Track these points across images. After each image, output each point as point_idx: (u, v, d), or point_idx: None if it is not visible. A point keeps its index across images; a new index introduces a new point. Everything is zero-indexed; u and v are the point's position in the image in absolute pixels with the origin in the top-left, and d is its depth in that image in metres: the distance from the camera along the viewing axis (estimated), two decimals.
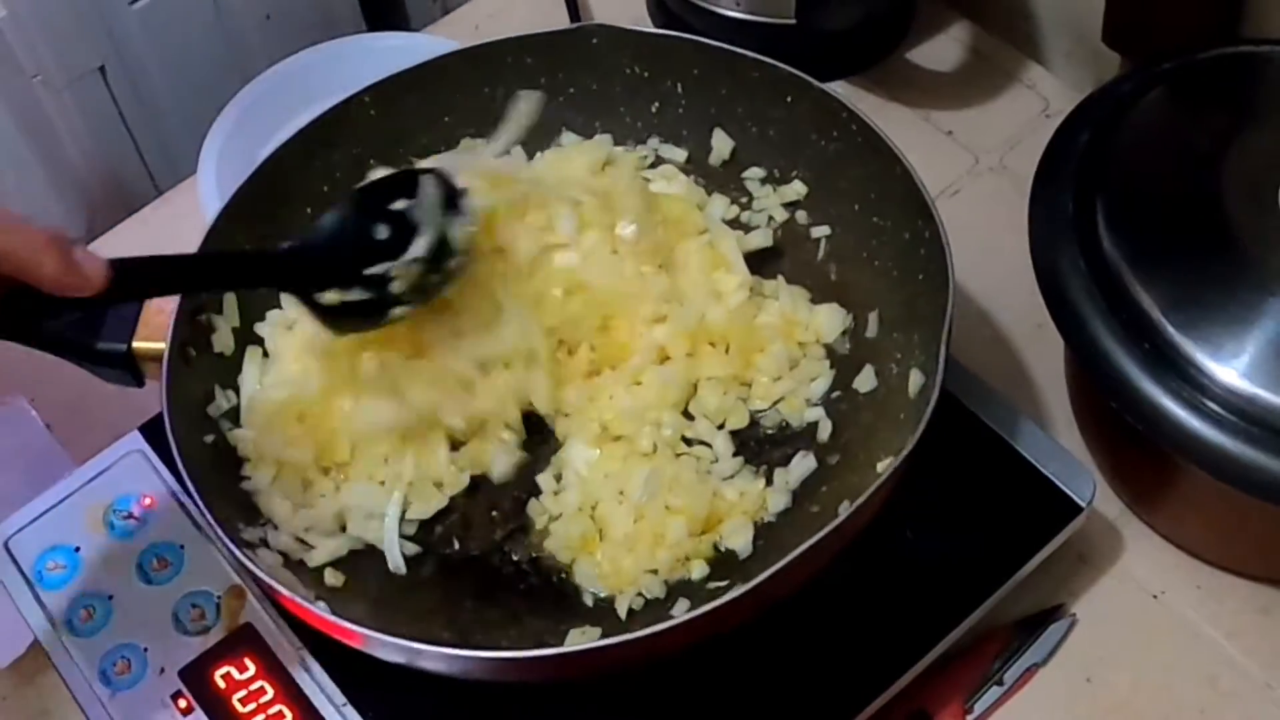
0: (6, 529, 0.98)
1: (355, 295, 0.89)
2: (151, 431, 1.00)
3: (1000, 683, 0.94)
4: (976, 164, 1.21)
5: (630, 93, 1.06)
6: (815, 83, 0.98)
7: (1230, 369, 0.85)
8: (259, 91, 1.24)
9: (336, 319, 0.90)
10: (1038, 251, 0.94)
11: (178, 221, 1.21)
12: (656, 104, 1.06)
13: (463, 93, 1.06)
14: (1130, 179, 0.95)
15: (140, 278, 0.80)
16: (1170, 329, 0.86)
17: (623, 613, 0.90)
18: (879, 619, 0.91)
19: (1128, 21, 1.11)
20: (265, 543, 0.90)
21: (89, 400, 1.10)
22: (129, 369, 0.93)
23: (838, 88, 1.22)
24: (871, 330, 0.98)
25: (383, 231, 0.90)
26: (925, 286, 0.90)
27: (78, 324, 0.93)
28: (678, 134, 1.07)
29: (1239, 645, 0.96)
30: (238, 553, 0.83)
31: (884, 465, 0.86)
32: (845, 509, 0.80)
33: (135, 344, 0.92)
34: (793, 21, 1.16)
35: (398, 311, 0.90)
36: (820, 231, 1.03)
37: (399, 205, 0.91)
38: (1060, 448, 0.96)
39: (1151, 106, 0.98)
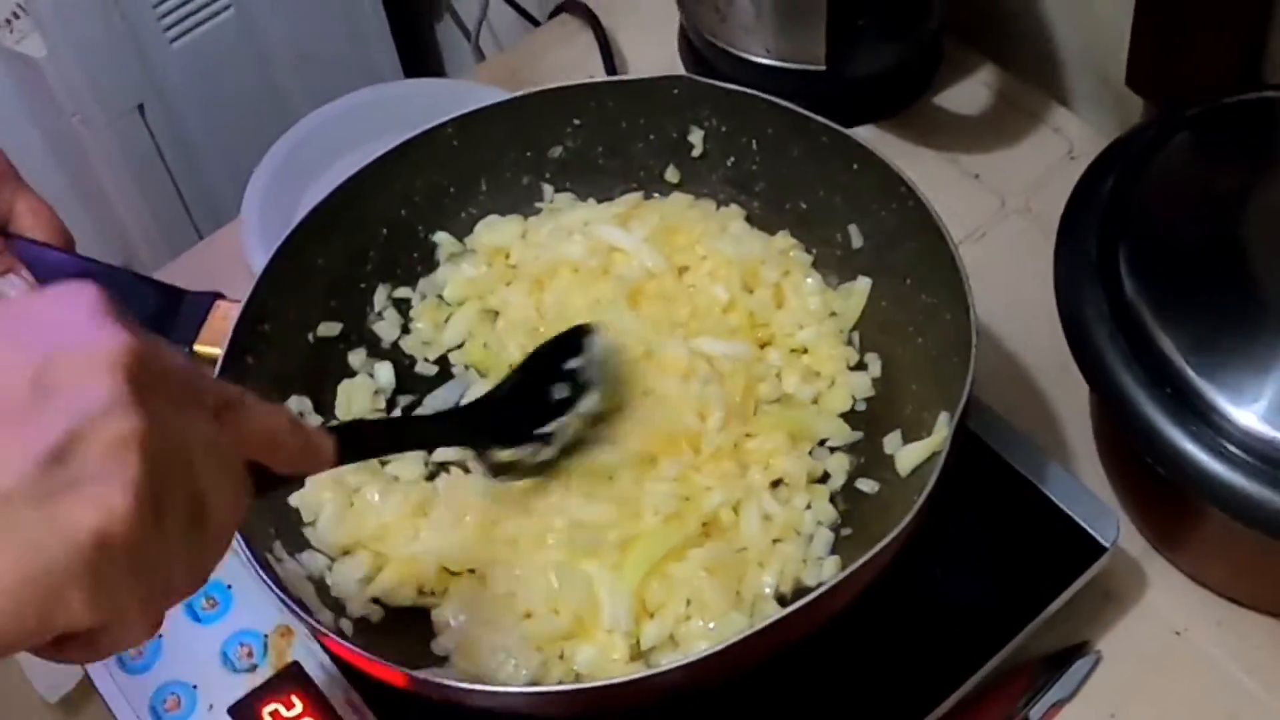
0: None
1: (524, 451, 0.93)
2: None
3: (1026, 719, 0.95)
4: (1003, 206, 1.22)
5: (708, 145, 1.09)
6: (879, 153, 0.99)
7: (1250, 412, 0.86)
8: (301, 136, 1.26)
9: (502, 471, 0.94)
10: (1062, 296, 0.95)
11: (221, 266, 1.23)
12: (732, 158, 1.08)
13: (544, 130, 1.09)
14: (1153, 224, 0.97)
15: (356, 444, 0.81)
16: (1191, 373, 0.88)
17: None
18: (907, 658, 0.93)
19: (1151, 66, 1.13)
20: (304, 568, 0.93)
21: None
22: None
23: (866, 132, 1.25)
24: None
25: (561, 390, 0.95)
26: (954, 370, 0.90)
27: (145, 324, 0.95)
28: (750, 189, 1.09)
29: (1260, 681, 0.97)
30: (274, 589, 0.85)
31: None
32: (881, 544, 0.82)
33: (197, 347, 0.96)
34: (823, 68, 1.18)
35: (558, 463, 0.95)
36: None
37: (573, 364, 0.96)
38: (1085, 488, 0.98)
39: (1175, 152, 1.00)
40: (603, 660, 0.89)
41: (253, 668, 0.96)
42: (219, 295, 0.99)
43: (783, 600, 0.92)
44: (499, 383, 0.96)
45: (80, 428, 0.55)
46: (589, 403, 0.95)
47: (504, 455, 0.93)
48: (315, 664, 0.95)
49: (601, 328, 0.97)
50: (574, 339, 0.97)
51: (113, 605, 0.55)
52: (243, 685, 0.95)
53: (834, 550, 0.94)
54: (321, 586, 0.92)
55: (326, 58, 1.75)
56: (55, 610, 0.54)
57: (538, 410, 0.94)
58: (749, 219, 1.09)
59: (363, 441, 0.83)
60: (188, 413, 0.60)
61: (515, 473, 0.94)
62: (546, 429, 0.94)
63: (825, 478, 0.97)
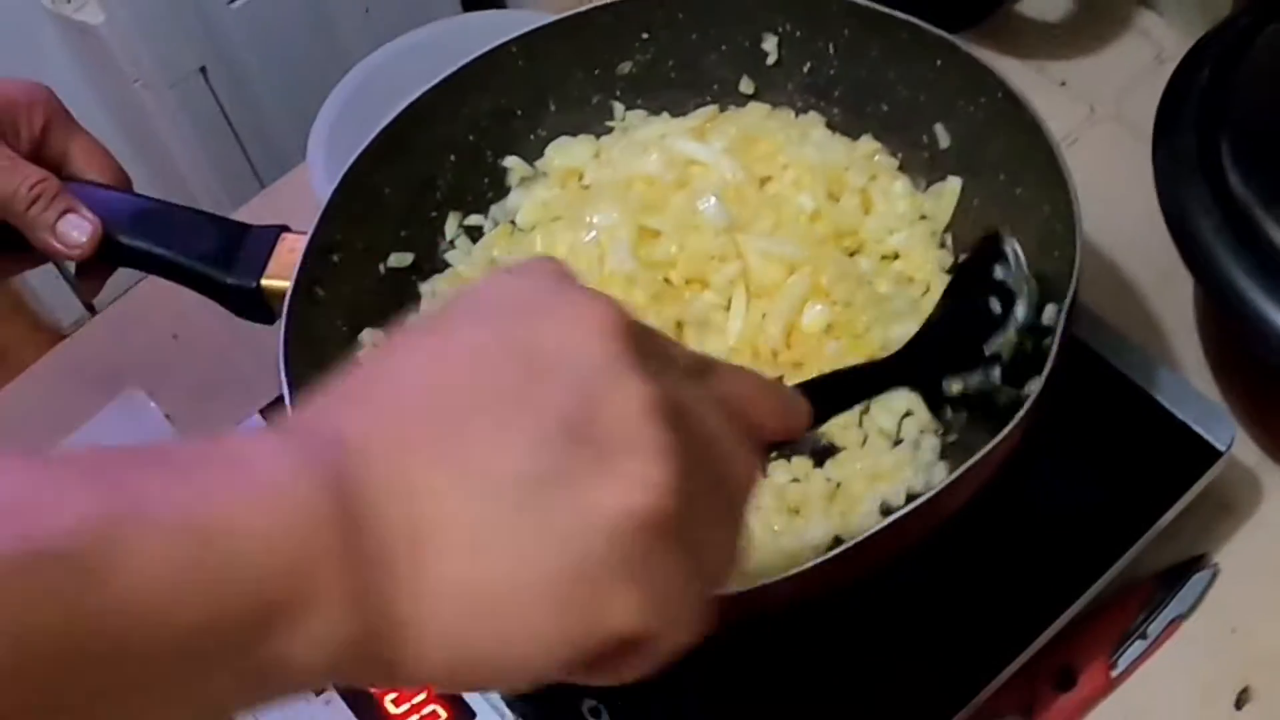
0: None
1: (975, 380, 0.84)
2: (272, 414, 1.00)
3: (1144, 636, 0.91)
4: (1092, 113, 1.19)
5: (783, 52, 1.06)
6: (963, 47, 0.96)
7: None
8: (367, 73, 1.23)
9: (958, 410, 0.87)
10: (1165, 194, 0.92)
11: (287, 211, 1.21)
12: (809, 64, 1.05)
13: (612, 46, 1.06)
14: (1254, 115, 0.93)
15: (829, 398, 0.73)
16: None
17: None
18: (1020, 574, 0.90)
19: None
20: None
21: (208, 389, 1.10)
22: (259, 305, 0.94)
23: None
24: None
25: (995, 304, 0.86)
26: (1056, 265, 0.87)
27: (210, 259, 0.94)
28: (829, 95, 1.06)
29: None
30: None
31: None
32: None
33: (264, 281, 0.94)
34: None
35: (1025, 391, 0.83)
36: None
37: (999, 274, 0.86)
38: (1196, 392, 0.94)
39: (1269, 43, 0.96)
40: None
41: None
42: (284, 228, 0.97)
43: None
44: (934, 311, 0.87)
45: (590, 397, 0.48)
46: (1021, 310, 0.85)
47: (955, 388, 0.84)
48: None
49: (1008, 231, 0.88)
50: (991, 247, 0.87)
51: (664, 598, 0.48)
52: None
53: (942, 456, 0.90)
54: None
55: (388, 6, 1.72)
56: (602, 613, 0.47)
57: (977, 330, 0.85)
58: (829, 126, 1.05)
59: (833, 393, 0.75)
60: (679, 377, 0.53)
61: (964, 408, 0.86)
62: (992, 347, 0.84)
63: None
